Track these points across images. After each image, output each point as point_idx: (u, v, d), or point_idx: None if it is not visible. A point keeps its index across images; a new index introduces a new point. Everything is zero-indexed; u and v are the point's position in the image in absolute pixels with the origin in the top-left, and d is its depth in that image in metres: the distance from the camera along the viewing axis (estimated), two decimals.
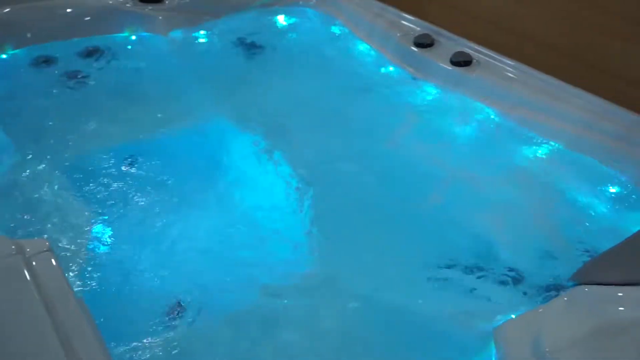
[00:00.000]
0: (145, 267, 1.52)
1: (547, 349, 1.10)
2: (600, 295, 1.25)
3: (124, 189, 1.78)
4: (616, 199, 1.77)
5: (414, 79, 2.26)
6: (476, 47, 2.19)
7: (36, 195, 1.68)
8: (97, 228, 1.62)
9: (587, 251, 1.59)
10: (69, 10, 2.40)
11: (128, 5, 2.49)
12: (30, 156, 1.84)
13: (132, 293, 1.45)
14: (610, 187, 1.81)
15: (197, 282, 1.53)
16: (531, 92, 2.02)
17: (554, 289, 1.47)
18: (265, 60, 2.47)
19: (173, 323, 1.39)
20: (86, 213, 1.64)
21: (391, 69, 2.35)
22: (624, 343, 1.10)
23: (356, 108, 2.19)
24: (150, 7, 2.50)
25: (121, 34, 2.49)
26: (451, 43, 2.25)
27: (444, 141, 2.04)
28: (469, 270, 1.56)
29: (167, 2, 2.53)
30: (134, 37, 2.49)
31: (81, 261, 1.49)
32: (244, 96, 2.25)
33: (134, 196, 1.75)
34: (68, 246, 1.52)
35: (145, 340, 1.32)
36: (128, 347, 1.29)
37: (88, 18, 2.42)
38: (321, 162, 1.95)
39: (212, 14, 2.58)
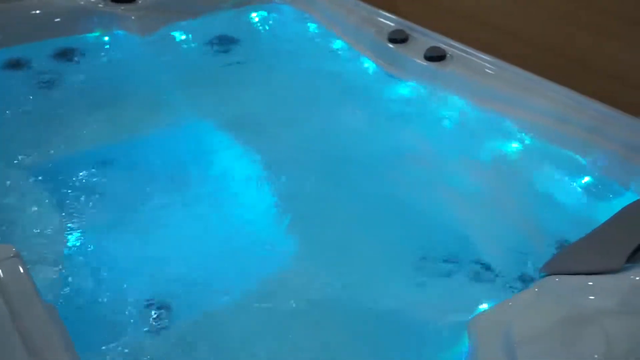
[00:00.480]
0: (120, 272, 1.50)
1: (516, 340, 1.11)
2: (571, 285, 1.27)
3: (99, 192, 1.76)
4: (588, 189, 1.80)
5: (389, 74, 2.27)
6: (450, 42, 2.20)
7: (4, 201, 1.65)
8: (69, 234, 1.60)
9: (559, 241, 1.61)
10: (38, 11, 2.37)
11: (100, 5, 2.47)
12: None
13: (106, 299, 1.43)
14: (583, 178, 1.83)
15: (174, 286, 1.52)
16: (504, 85, 2.03)
17: (526, 280, 1.49)
18: (240, 59, 2.46)
19: (148, 330, 1.37)
20: (57, 218, 1.62)
21: (366, 64, 2.36)
22: (592, 332, 1.12)
23: (331, 104, 2.20)
24: (122, 7, 2.48)
25: (94, 35, 2.46)
26: (425, 38, 2.26)
27: (419, 135, 2.05)
28: (441, 262, 1.57)
29: (139, 1, 2.50)
30: (106, 38, 2.46)
31: (52, 268, 1.47)
32: (218, 95, 2.24)
33: (108, 200, 1.73)
34: (38, 252, 1.49)
35: (119, 348, 1.31)
36: (101, 355, 1.28)
37: (58, 19, 2.39)
38: (296, 158, 1.95)
39: (186, 13, 2.57)
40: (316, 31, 2.56)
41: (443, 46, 2.20)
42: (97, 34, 2.46)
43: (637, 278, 1.26)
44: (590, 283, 1.27)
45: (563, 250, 1.49)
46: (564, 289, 1.25)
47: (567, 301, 1.21)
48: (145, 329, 1.37)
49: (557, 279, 1.29)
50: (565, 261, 1.38)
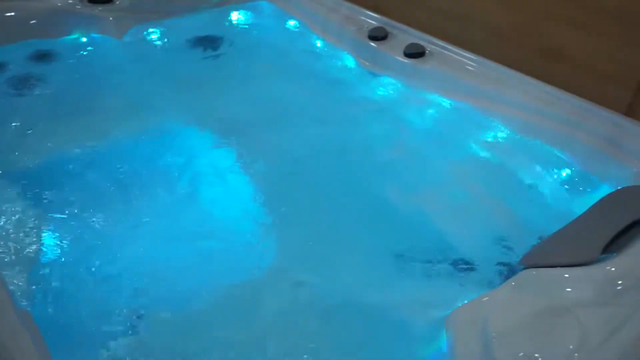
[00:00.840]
0: (96, 277, 1.48)
1: (493, 334, 1.12)
2: (547, 278, 1.28)
3: (74, 197, 1.73)
4: (566, 183, 1.81)
5: (369, 71, 2.28)
6: (429, 38, 2.22)
7: None
8: (41, 240, 1.57)
9: (539, 235, 1.62)
10: (13, 13, 2.34)
11: (78, 7, 2.44)
12: None
13: (80, 305, 1.41)
14: (561, 172, 1.85)
15: (154, 292, 1.50)
16: (483, 81, 2.04)
17: (506, 273, 1.50)
18: (221, 59, 2.45)
19: (123, 336, 1.36)
20: (29, 224, 1.59)
21: (346, 62, 2.36)
22: (567, 323, 1.13)
23: (312, 102, 2.20)
24: (100, 8, 2.45)
25: (72, 37, 2.44)
26: (404, 35, 2.27)
27: (399, 131, 2.06)
28: (421, 257, 1.57)
29: (117, 2, 2.48)
30: (84, 40, 2.44)
31: (26, 274, 1.45)
32: (200, 96, 2.23)
33: (84, 204, 1.70)
34: (13, 258, 1.47)
35: (93, 353, 1.30)
36: None
37: (34, 21, 2.36)
38: (279, 157, 1.94)
39: (165, 13, 2.55)
40: (297, 29, 2.56)
41: (422, 43, 2.21)
42: (75, 35, 2.43)
43: (613, 269, 1.28)
44: (567, 275, 1.28)
45: (540, 243, 1.50)
46: (541, 282, 1.26)
47: (544, 294, 1.23)
48: (120, 335, 1.35)
49: (534, 272, 1.30)
50: (543, 254, 1.39)
